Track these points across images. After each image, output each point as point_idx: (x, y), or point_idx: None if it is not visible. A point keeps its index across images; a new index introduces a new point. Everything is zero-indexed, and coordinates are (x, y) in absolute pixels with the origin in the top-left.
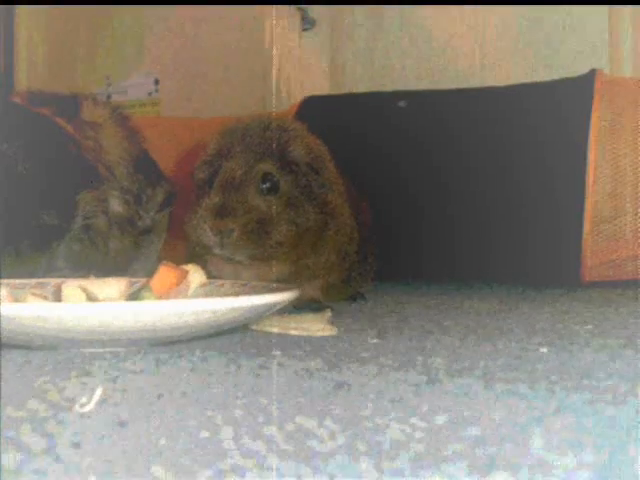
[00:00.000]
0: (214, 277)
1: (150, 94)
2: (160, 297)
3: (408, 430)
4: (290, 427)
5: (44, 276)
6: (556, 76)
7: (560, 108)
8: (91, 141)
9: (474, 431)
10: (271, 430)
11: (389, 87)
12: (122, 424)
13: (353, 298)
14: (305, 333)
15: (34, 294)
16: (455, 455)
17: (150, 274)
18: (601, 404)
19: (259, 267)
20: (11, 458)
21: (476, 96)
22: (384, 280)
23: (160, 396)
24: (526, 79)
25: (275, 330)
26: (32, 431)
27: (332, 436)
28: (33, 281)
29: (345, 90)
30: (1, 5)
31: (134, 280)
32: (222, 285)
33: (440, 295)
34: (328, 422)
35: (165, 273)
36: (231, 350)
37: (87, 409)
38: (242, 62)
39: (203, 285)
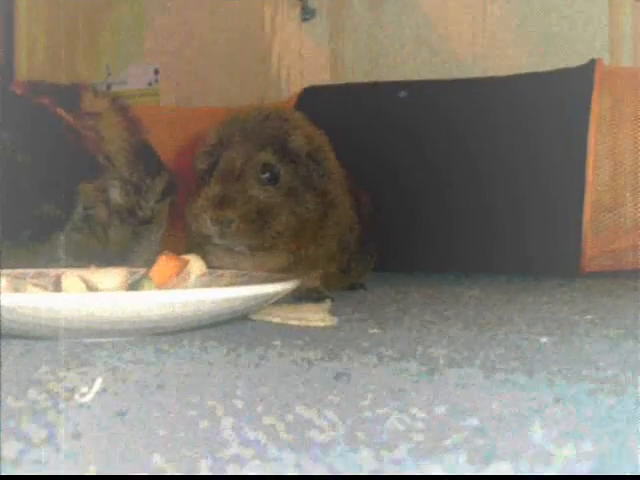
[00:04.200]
0: (214, 267)
1: (150, 84)
2: (160, 287)
3: (408, 420)
4: (290, 417)
5: (44, 266)
6: (556, 66)
7: (560, 98)
8: (91, 131)
9: (474, 421)
10: (271, 420)
11: (389, 77)
12: (122, 414)
13: (353, 288)
14: (305, 323)
15: (34, 284)
16: (455, 445)
17: (150, 264)
18: (601, 394)
19: (259, 257)
20: (11, 448)
21: (476, 86)
22: (384, 270)
23: (160, 386)
24: (526, 69)
25: (275, 320)
26: (32, 421)
27: (332, 426)
28: (33, 271)
29: (345, 80)
30: None
31: (134, 270)
32: (222, 275)
33: (440, 285)
34: (328, 412)
35: (165, 263)
36: (231, 340)
37: (87, 399)
38: (242, 52)
39: (203, 275)
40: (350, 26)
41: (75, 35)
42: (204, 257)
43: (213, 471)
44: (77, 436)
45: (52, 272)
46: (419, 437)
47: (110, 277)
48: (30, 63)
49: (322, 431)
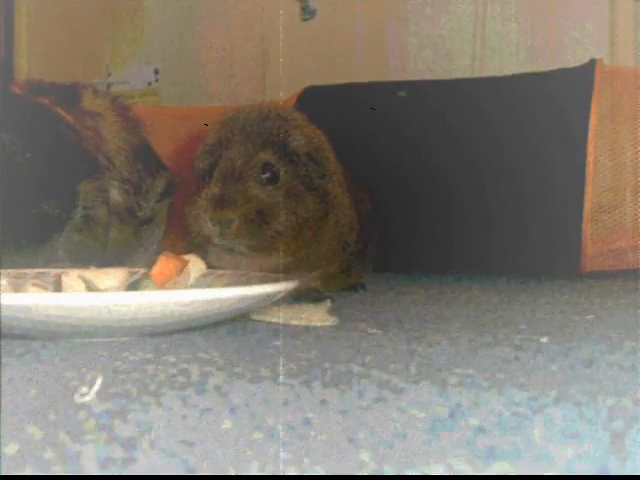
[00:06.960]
0: (214, 267)
1: (150, 84)
2: (160, 287)
3: (408, 420)
4: (290, 417)
5: (44, 266)
6: (556, 66)
7: (560, 98)
8: (91, 131)
9: (474, 421)
10: (271, 420)
11: (389, 77)
12: (122, 414)
13: (353, 288)
14: (305, 323)
15: (34, 284)
16: (455, 445)
17: (150, 264)
18: (601, 394)
19: (259, 257)
20: (11, 448)
21: (476, 86)
22: (384, 270)
23: (160, 386)
24: (526, 69)
25: (275, 320)
26: (32, 421)
27: (332, 426)
28: (33, 271)
29: (345, 80)
30: None
31: (134, 270)
32: (222, 275)
33: (440, 286)
34: (328, 412)
35: (165, 263)
36: (231, 340)
37: (87, 399)
38: (242, 52)
39: (203, 275)
40: (351, 26)
41: (75, 35)
42: (204, 257)
43: (213, 471)
44: (77, 436)
45: (52, 272)
46: (419, 437)
47: (110, 277)
48: (30, 63)
49: (322, 431)
